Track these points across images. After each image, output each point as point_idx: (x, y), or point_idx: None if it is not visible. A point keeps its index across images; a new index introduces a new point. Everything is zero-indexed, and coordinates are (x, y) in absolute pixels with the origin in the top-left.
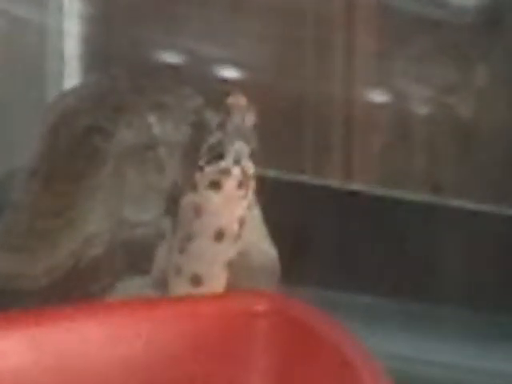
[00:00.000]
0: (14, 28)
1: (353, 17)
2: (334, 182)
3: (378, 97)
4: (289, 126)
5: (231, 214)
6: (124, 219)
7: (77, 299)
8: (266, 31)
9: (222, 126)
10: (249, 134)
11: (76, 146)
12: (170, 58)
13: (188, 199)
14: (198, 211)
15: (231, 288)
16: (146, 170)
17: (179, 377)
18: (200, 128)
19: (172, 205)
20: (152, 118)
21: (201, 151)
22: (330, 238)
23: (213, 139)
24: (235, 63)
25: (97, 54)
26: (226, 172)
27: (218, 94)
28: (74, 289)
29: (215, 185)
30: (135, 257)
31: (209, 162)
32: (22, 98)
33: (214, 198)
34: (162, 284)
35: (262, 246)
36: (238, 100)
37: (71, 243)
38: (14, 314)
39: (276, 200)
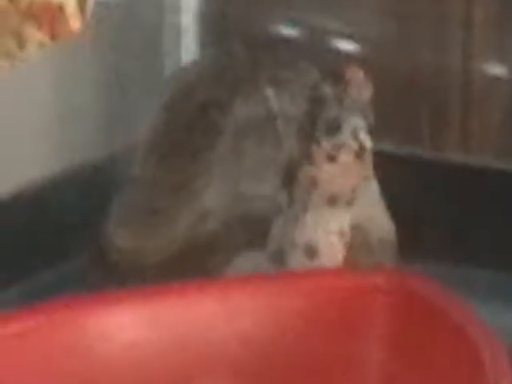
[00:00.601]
0: (133, 3)
1: None
2: (452, 156)
3: (497, 69)
4: (406, 100)
5: (345, 182)
6: (240, 193)
7: (194, 274)
8: (383, 5)
9: (339, 99)
10: (366, 109)
11: (193, 121)
12: (287, 31)
13: (305, 172)
14: (314, 183)
15: (350, 263)
16: (264, 143)
17: (299, 351)
18: (317, 102)
19: (288, 178)
20: (269, 92)
21: (318, 124)
22: (447, 213)
23: (330, 113)
24: (352, 37)
25: (213, 29)
26: (343, 146)
27: (335, 67)
28: (191, 263)
29: (332, 158)
30: (252, 231)
31: (326, 136)
32: (140, 72)
33: (330, 171)
34: (279, 258)
35: (379, 221)
36: (356, 74)
37: (188, 217)
38: (132, 289)
39: (393, 174)
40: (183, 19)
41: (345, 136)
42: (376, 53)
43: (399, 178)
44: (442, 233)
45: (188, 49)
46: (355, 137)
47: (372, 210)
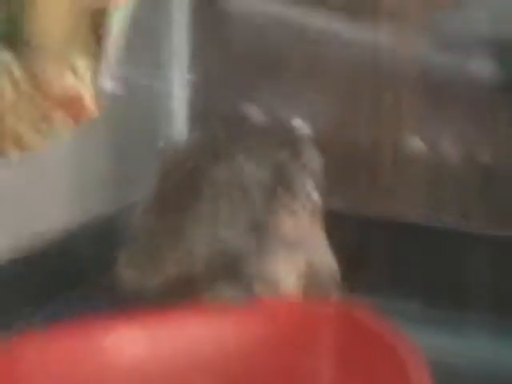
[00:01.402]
0: (134, 93)
1: (399, 83)
2: (384, 213)
3: (418, 144)
4: (347, 168)
5: (311, 231)
6: (218, 238)
7: (183, 301)
8: (330, 92)
9: (303, 166)
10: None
11: (182, 184)
12: (255, 114)
13: (279, 223)
14: (287, 232)
15: (304, 294)
16: (235, 199)
17: (263, 365)
18: (281, 171)
19: (256, 229)
20: (241, 161)
21: (290, 187)
22: (381, 258)
23: (302, 176)
24: (305, 117)
25: (198, 112)
26: (311, 200)
27: (293, 140)
28: (181, 292)
29: (303, 210)
30: (228, 265)
31: (298, 195)
32: (141, 146)
33: (302, 221)
34: (248, 288)
35: (327, 262)
36: (309, 143)
37: (178, 258)
38: (135, 314)
39: (338, 227)
40: (175, 105)
41: (312, 194)
42: (322, 132)
43: (343, 230)
44: (378, 273)
45: (178, 127)
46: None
47: (322, 254)
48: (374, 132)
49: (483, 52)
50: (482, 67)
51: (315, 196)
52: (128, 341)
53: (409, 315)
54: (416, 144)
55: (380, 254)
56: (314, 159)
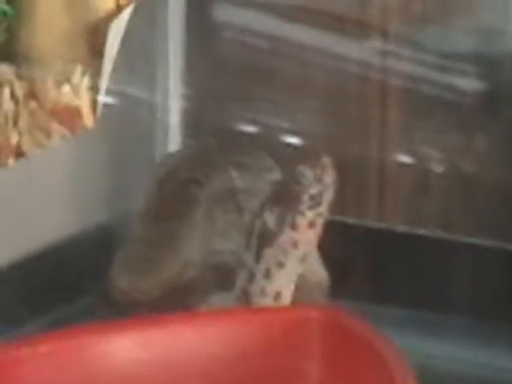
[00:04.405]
0: (130, 105)
1: (385, 97)
2: (370, 222)
3: (404, 158)
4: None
5: (314, 242)
6: (213, 249)
7: (177, 309)
8: (320, 108)
9: (319, 179)
10: (333, 186)
11: (177, 194)
12: (248, 127)
13: (286, 236)
14: (295, 244)
15: (295, 301)
16: (229, 211)
17: (253, 368)
18: (298, 182)
19: (257, 242)
20: (233, 173)
21: (301, 200)
22: (367, 265)
23: (313, 190)
24: (295, 132)
25: (193, 125)
26: (321, 215)
27: (309, 154)
28: (175, 301)
29: (311, 225)
30: (221, 277)
31: (310, 208)
32: (137, 157)
33: (310, 233)
34: (242, 299)
35: (316, 270)
36: (328, 160)
37: (173, 266)
38: (129, 320)
39: (327, 236)
40: (170, 118)
41: (323, 208)
42: (313, 145)
43: (333, 238)
44: (364, 279)
45: (174, 140)
46: (328, 207)
47: (312, 263)
48: (360, 143)
49: (467, 67)
50: (466, 82)
51: (322, 209)
52: (120, 346)
53: (393, 320)
54: (401, 154)
55: (365, 261)
56: (331, 172)
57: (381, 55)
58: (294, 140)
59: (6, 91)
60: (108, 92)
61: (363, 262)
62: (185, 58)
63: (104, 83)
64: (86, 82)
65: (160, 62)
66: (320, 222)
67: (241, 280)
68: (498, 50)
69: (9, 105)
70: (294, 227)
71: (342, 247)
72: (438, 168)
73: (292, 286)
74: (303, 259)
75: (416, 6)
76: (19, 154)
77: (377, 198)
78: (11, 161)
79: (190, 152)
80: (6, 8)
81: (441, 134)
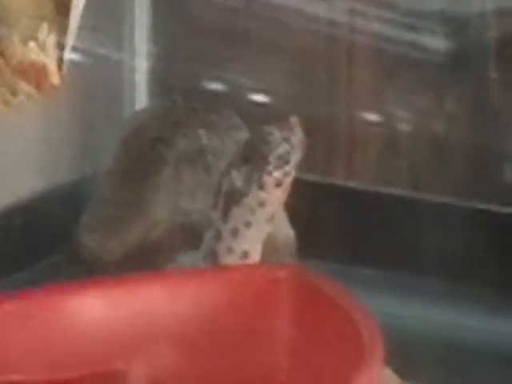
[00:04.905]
0: (97, 64)
1: (353, 57)
2: (339, 181)
3: (372, 117)
4: (306, 140)
5: (281, 202)
6: (180, 208)
7: (145, 269)
8: (288, 68)
9: (286, 139)
10: (301, 146)
11: (144, 152)
12: (216, 87)
13: (254, 196)
14: (263, 204)
15: (262, 260)
16: (197, 171)
17: (222, 328)
18: (266, 141)
19: (224, 200)
20: (201, 132)
21: (268, 160)
22: (336, 224)
23: (281, 150)
24: (263, 91)
25: (160, 84)
26: (289, 174)
27: (277, 115)
28: (143, 260)
29: (279, 185)
30: (189, 236)
31: (276, 168)
32: (104, 116)
33: (277, 193)
34: (209, 258)
35: (283, 229)
36: (296, 120)
37: (140, 226)
38: (95, 279)
39: (296, 194)
40: (137, 76)
41: (290, 167)
42: (281, 104)
43: (300, 197)
44: (332, 239)
45: (141, 98)
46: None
47: (278, 221)
48: (329, 102)
49: (435, 25)
50: (435, 41)
51: (289, 168)
52: (87, 306)
53: (362, 280)
54: (369, 114)
55: (333, 220)
56: (296, 134)
57: (349, 14)
58: (262, 99)
59: None
60: (75, 51)
61: (331, 222)
62: (152, 16)
63: (70, 40)
64: (52, 39)
65: (127, 20)
66: (288, 181)
67: (208, 239)
68: (467, 8)
69: None
70: (261, 187)
71: (310, 206)
72: (407, 127)
73: (259, 246)
74: (271, 219)
75: None
76: None
77: (345, 157)
78: None
79: (157, 111)
80: None
81: (409, 93)
